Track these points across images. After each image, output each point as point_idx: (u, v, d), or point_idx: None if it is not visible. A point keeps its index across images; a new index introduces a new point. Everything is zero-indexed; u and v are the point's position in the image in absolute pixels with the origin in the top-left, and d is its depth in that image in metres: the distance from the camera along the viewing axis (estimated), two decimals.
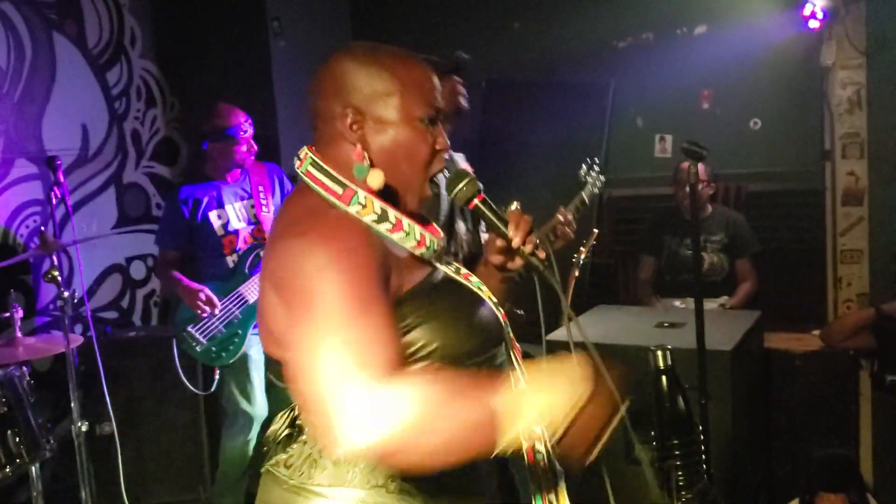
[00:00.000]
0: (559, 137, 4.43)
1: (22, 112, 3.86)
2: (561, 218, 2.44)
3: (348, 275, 1.27)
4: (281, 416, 1.53)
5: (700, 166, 2.68)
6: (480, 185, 1.52)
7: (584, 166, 2.92)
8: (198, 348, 3.36)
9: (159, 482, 3.79)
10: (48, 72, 3.96)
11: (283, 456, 1.44)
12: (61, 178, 3.23)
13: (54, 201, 3.23)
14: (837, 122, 4.03)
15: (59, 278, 2.83)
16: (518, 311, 2.61)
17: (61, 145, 3.97)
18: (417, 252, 1.42)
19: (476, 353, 1.42)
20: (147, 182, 4.41)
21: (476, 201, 1.50)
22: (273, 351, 1.44)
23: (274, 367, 1.46)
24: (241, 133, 3.45)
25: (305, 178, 1.41)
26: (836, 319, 3.89)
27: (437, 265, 1.47)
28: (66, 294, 2.83)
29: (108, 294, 4.25)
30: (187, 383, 3.43)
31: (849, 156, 4.04)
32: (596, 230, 3.21)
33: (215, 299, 3.35)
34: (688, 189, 3.30)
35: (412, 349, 1.35)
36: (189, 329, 3.35)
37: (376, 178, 1.39)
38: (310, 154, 1.43)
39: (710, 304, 3.72)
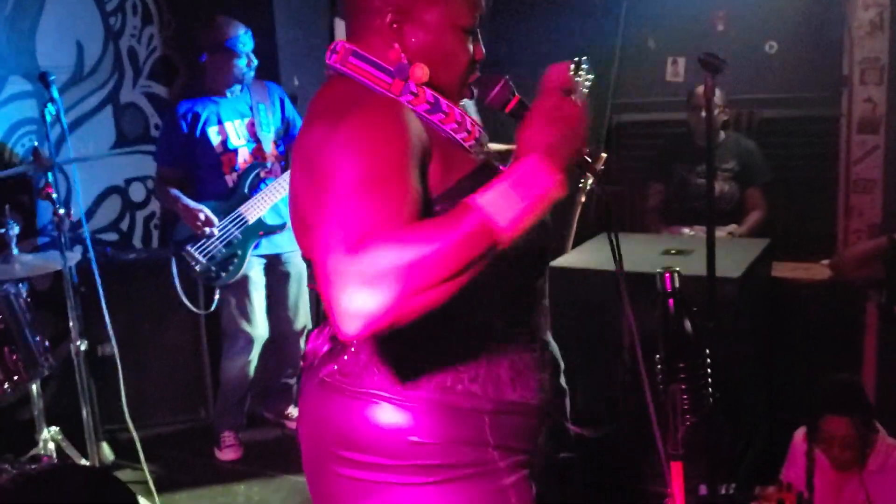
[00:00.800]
0: (568, 59, 4.29)
1: (14, 27, 3.75)
2: None
3: (373, 152, 1.18)
4: (318, 333, 1.48)
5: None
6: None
7: (571, 67, 2.84)
8: (197, 267, 3.32)
9: (161, 403, 3.81)
10: None
11: (335, 366, 1.38)
12: (55, 94, 3.13)
13: (48, 118, 3.14)
14: (857, 46, 3.89)
15: (54, 195, 2.77)
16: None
17: (55, 62, 3.85)
18: (468, 144, 1.38)
19: (523, 255, 1.35)
20: (145, 102, 4.31)
21: (513, 103, 1.44)
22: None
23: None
24: (241, 45, 3.34)
25: (346, 70, 1.35)
26: (846, 249, 3.83)
27: (487, 158, 1.42)
28: (61, 211, 2.77)
29: (108, 216, 4.20)
30: (186, 302, 3.39)
31: (867, 81, 3.91)
32: (604, 154, 3.13)
33: (214, 219, 3.29)
34: (703, 113, 3.18)
35: None
36: (188, 248, 3.31)
37: (422, 72, 1.34)
38: (349, 46, 1.37)
39: (718, 233, 3.65)
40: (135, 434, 3.07)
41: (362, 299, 1.06)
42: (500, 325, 1.36)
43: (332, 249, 1.10)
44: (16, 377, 2.54)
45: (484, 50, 1.43)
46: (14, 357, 2.54)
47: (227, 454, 3.59)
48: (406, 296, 1.08)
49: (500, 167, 1.44)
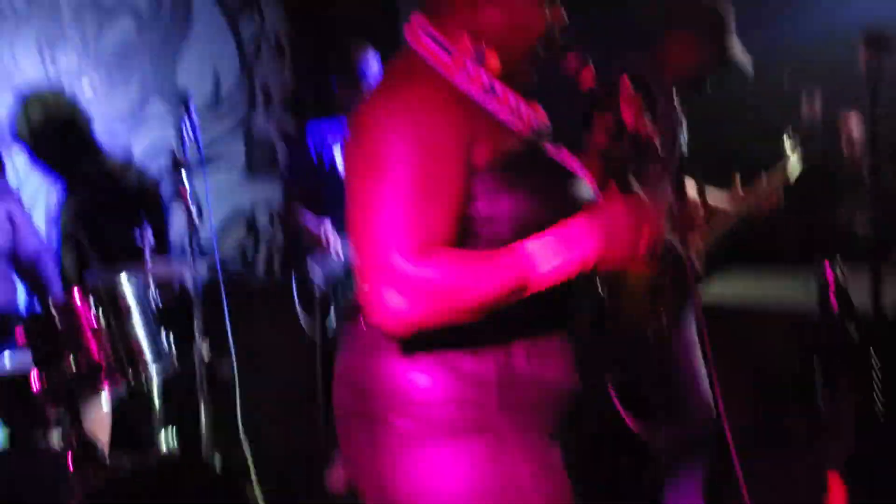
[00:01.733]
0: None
1: (156, 52, 3.94)
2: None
3: (425, 151, 1.29)
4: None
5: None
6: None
7: (787, 138, 2.68)
8: (316, 281, 3.30)
9: (274, 426, 3.78)
10: (184, 16, 4.03)
11: (358, 325, 1.45)
12: (193, 116, 3.23)
13: (185, 137, 3.23)
14: None
15: (187, 194, 2.84)
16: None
17: (193, 89, 4.01)
18: (521, 133, 1.41)
19: None
20: (275, 133, 4.43)
21: (585, 74, 1.53)
22: None
23: None
24: (369, 71, 3.39)
25: (413, 45, 1.42)
26: None
27: (538, 143, 1.45)
28: (192, 208, 2.83)
29: (233, 242, 4.29)
30: (303, 326, 3.38)
31: None
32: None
33: (335, 235, 3.27)
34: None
35: (497, 216, 1.35)
36: (309, 259, 3.30)
37: (495, 63, 1.41)
38: (421, 20, 1.43)
39: None
40: (247, 449, 3.05)
41: (404, 304, 1.24)
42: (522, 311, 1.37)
43: (390, 247, 1.25)
44: (140, 368, 2.58)
45: (564, 15, 1.47)
46: (139, 350, 2.59)
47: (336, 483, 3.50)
48: (440, 314, 1.26)
49: (551, 149, 1.46)
